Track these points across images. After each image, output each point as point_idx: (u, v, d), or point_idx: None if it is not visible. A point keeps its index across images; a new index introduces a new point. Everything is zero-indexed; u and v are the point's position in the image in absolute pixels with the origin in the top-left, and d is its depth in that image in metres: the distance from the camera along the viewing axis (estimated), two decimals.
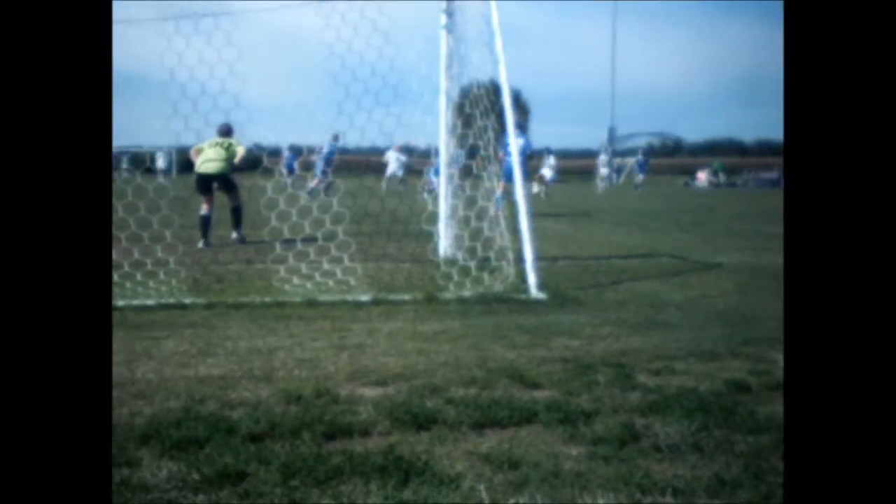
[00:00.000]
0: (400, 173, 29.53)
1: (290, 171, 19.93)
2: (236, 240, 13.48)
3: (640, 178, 50.47)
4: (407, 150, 23.23)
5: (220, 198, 13.85)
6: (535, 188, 31.27)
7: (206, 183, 13.49)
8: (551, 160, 38.01)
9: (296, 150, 19.14)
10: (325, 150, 21.26)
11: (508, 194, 20.84)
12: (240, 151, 13.57)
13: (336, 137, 18.79)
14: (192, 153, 13.94)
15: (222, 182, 13.44)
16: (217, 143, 13.53)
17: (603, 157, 52.68)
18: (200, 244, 12.96)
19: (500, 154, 21.52)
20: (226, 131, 13.65)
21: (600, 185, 47.77)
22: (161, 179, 23.16)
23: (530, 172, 24.39)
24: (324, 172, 20.83)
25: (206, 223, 13.36)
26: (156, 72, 9.74)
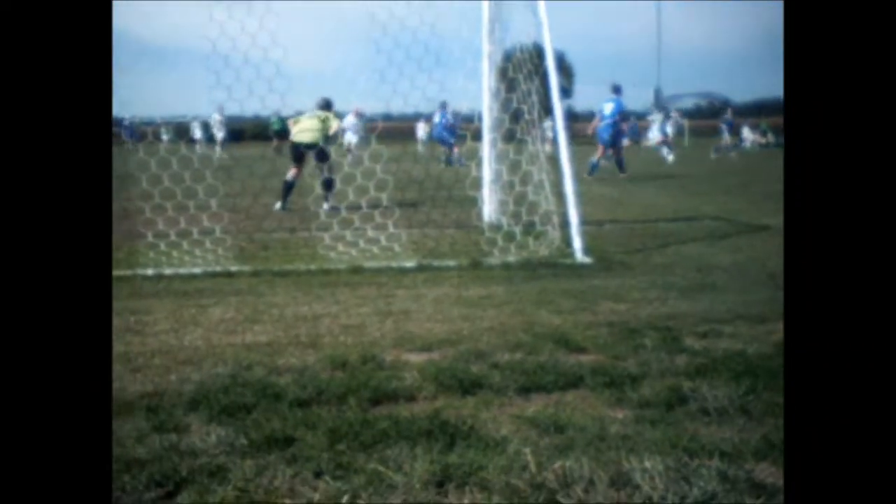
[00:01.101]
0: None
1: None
2: (328, 210, 13.41)
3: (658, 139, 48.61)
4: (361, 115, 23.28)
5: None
6: (666, 152, 30.28)
7: (299, 151, 13.74)
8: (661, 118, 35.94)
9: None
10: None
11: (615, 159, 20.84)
12: (334, 125, 13.93)
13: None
14: (290, 123, 14.51)
15: (316, 152, 13.53)
16: (315, 116, 13.84)
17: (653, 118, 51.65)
18: (278, 205, 13.36)
19: (597, 118, 21.42)
20: (325, 105, 14.05)
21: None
22: (219, 150, 23.35)
23: (625, 135, 24.00)
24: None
25: (289, 188, 13.74)
26: (198, 43, 9.77)
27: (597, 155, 21.25)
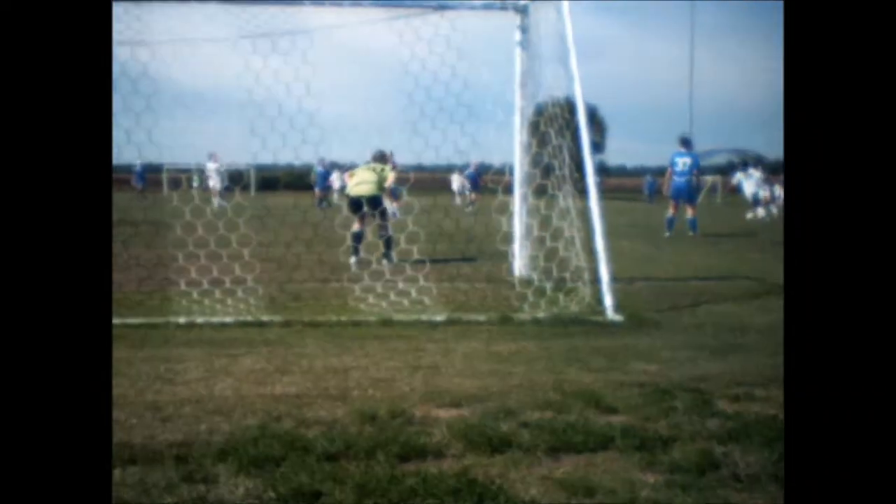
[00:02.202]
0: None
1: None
2: (389, 266, 13.12)
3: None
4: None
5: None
6: (761, 212, 29.73)
7: (357, 204, 13.46)
8: (755, 173, 33.78)
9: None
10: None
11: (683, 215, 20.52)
12: (390, 177, 13.73)
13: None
14: (346, 176, 14.38)
15: (372, 204, 13.40)
16: (370, 168, 13.72)
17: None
18: (352, 260, 12.84)
19: (669, 172, 21.00)
20: (380, 157, 14.01)
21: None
22: (216, 200, 23.63)
23: (701, 189, 23.52)
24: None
25: (357, 239, 13.37)
26: (234, 91, 9.91)
27: (671, 211, 20.76)
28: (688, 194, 20.69)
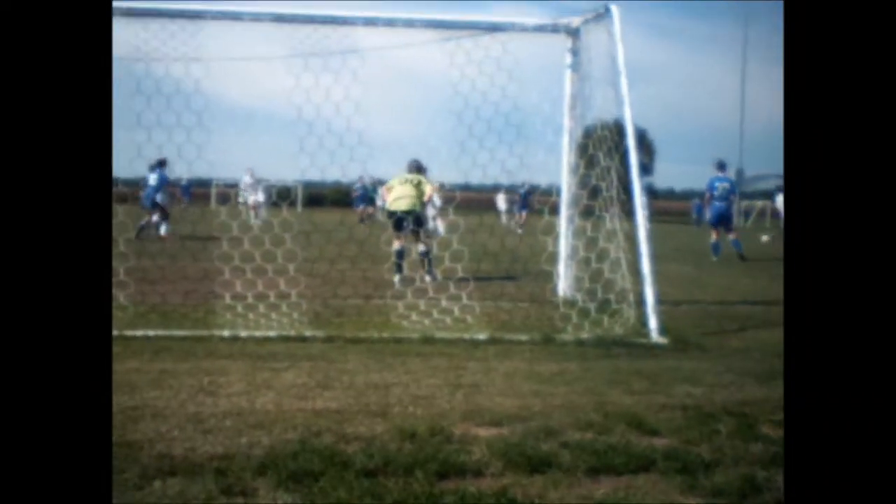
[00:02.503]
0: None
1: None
2: (431, 282, 12.39)
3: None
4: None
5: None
6: (764, 238, 29.40)
7: (398, 221, 13.20)
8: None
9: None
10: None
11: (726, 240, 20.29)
12: (428, 189, 13.45)
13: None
14: (383, 191, 14.01)
15: (414, 219, 13.20)
16: (407, 181, 13.39)
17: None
18: (396, 279, 12.69)
19: (707, 195, 20.84)
20: (416, 167, 13.61)
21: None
22: (253, 215, 23.76)
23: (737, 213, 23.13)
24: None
25: (400, 256, 13.14)
26: (284, 108, 10.01)
27: (713, 236, 20.49)
28: (727, 219, 20.47)
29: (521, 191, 25.50)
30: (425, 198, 13.50)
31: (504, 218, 33.99)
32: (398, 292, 9.85)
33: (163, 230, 19.64)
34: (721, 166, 21.06)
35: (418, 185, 13.37)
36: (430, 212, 23.18)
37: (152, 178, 19.93)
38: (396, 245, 13.28)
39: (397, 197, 13.32)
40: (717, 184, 20.36)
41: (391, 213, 13.40)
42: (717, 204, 20.22)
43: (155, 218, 19.92)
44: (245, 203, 30.06)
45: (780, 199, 30.58)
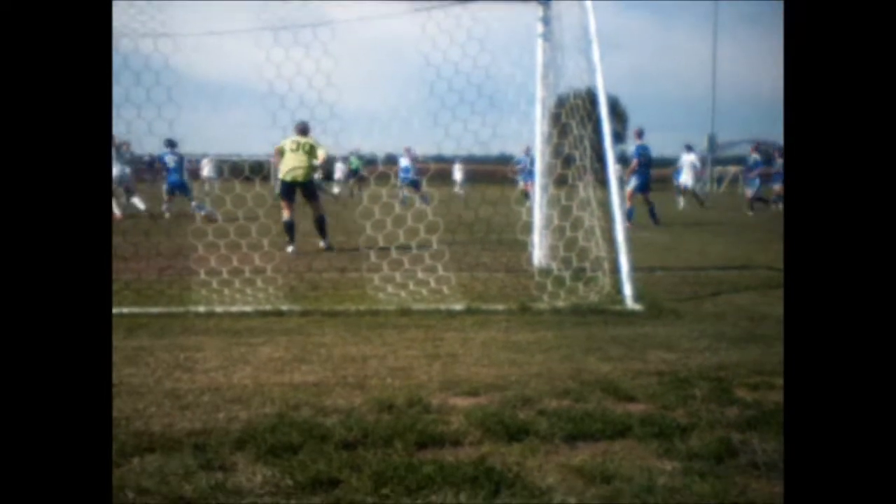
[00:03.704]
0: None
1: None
2: (324, 248, 13.50)
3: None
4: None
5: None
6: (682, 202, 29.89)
7: (290, 190, 13.38)
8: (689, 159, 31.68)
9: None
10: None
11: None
12: (321, 154, 13.46)
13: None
14: (275, 155, 13.82)
15: (306, 190, 13.40)
16: (298, 146, 13.31)
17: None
18: (290, 249, 12.97)
19: (635, 162, 21.06)
20: (303, 130, 13.40)
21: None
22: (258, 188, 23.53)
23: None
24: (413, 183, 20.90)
25: (290, 228, 13.28)
26: (255, 82, 9.94)
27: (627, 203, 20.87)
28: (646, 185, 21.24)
29: (525, 161, 25.12)
30: (318, 161, 13.50)
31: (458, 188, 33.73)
32: (374, 265, 9.82)
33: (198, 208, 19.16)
34: (639, 134, 21.52)
35: (310, 151, 13.34)
36: (338, 175, 22.85)
37: (171, 160, 19.65)
38: (286, 216, 13.25)
39: (292, 167, 13.26)
40: (640, 151, 20.96)
41: (284, 184, 13.32)
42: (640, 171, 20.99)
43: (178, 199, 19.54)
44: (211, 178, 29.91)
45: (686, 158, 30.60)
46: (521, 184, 24.60)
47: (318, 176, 14.75)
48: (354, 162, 35.79)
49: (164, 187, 20.23)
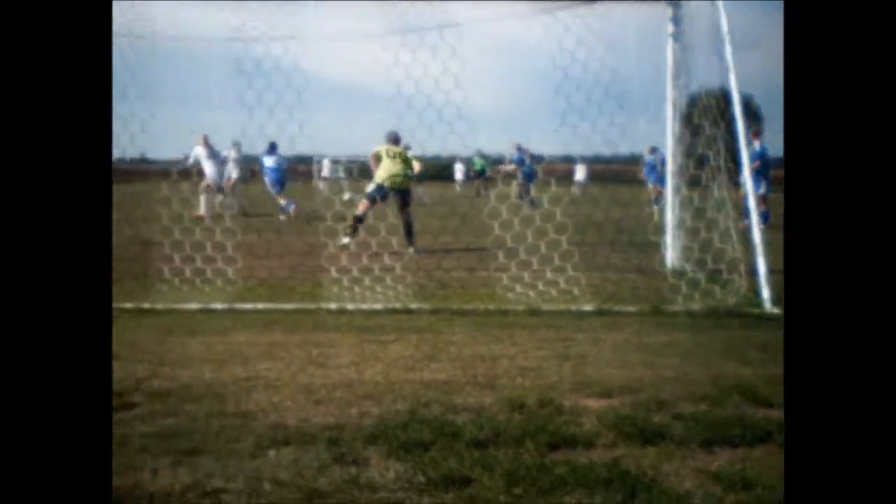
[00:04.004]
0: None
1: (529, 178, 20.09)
2: (413, 253, 12.87)
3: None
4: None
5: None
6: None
7: (384, 194, 13.27)
8: None
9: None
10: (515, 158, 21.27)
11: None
12: (417, 165, 13.56)
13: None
14: (371, 160, 13.75)
15: (403, 196, 13.34)
16: (395, 154, 13.35)
17: None
18: (346, 241, 12.43)
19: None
20: (395, 139, 13.47)
21: None
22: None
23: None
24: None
25: (360, 222, 12.87)
26: (383, 85, 10.01)
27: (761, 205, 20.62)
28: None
29: (652, 161, 24.48)
30: (414, 172, 13.51)
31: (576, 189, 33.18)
32: (503, 265, 9.77)
33: (291, 209, 19.60)
34: (757, 134, 21.08)
35: (406, 161, 13.35)
36: (458, 176, 22.73)
37: (270, 161, 20.19)
38: (362, 211, 13.05)
39: (392, 174, 13.19)
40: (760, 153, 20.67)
41: (382, 188, 13.21)
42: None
43: (283, 200, 20.02)
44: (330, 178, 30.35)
45: None
46: (650, 185, 24.25)
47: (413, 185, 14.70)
48: (478, 162, 35.82)
49: (273, 189, 20.65)
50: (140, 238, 12.73)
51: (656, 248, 10.72)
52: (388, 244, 10.18)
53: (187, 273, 9.35)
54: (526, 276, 9.42)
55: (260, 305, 8.13)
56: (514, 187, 16.89)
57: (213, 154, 19.49)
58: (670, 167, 10.83)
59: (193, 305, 8.17)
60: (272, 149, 19.41)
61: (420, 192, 16.15)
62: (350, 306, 8.18)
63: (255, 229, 12.67)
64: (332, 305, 8.18)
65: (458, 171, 43.12)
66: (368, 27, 10.82)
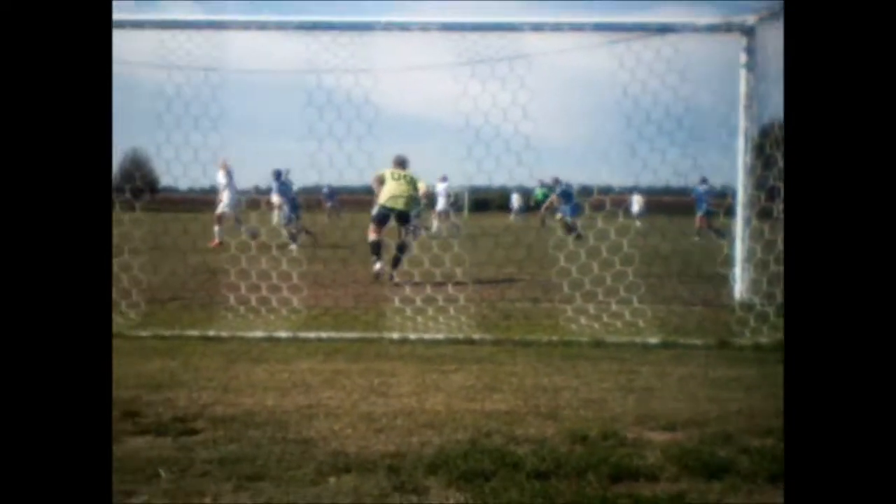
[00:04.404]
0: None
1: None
2: (391, 279, 12.62)
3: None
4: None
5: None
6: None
7: (387, 216, 13.17)
8: None
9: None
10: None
11: None
12: (421, 187, 13.50)
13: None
14: (374, 182, 13.61)
15: (404, 218, 13.17)
16: (401, 176, 13.32)
17: None
18: (378, 266, 12.75)
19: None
20: (402, 163, 13.54)
21: None
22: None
23: None
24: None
25: (378, 247, 13.14)
26: (451, 115, 10.05)
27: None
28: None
29: (697, 190, 24.28)
30: (419, 193, 13.42)
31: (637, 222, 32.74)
32: (567, 296, 9.68)
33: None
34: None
35: (411, 183, 13.27)
36: (440, 205, 22.51)
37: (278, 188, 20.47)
38: (373, 237, 13.10)
39: (395, 195, 13.11)
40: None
41: (385, 209, 13.14)
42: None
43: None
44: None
45: None
46: (698, 215, 24.04)
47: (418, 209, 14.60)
48: (540, 192, 34.86)
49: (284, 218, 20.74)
50: (207, 266, 12.92)
51: (724, 280, 10.55)
52: (453, 274, 10.17)
53: (253, 301, 9.45)
54: (591, 307, 9.33)
55: (323, 334, 8.18)
56: (558, 220, 16.79)
57: (232, 181, 19.53)
58: (741, 199, 10.67)
59: (258, 333, 8.25)
60: (278, 176, 19.61)
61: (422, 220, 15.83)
62: (412, 336, 8.18)
63: (322, 259, 12.77)
64: (395, 335, 8.20)
65: (514, 201, 43.33)
66: (439, 58, 10.89)
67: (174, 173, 9.68)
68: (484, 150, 9.85)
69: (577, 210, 19.54)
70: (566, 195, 21.33)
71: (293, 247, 14.53)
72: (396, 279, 11.99)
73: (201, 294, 11.01)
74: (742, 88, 10.56)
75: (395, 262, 12.62)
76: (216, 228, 18.68)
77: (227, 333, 8.24)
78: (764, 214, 10.19)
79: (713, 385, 6.28)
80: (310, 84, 9.83)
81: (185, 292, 11.35)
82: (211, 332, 8.26)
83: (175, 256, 14.22)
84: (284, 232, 18.25)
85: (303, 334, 8.21)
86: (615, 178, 13.76)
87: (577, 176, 14.31)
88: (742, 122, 10.51)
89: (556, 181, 22.84)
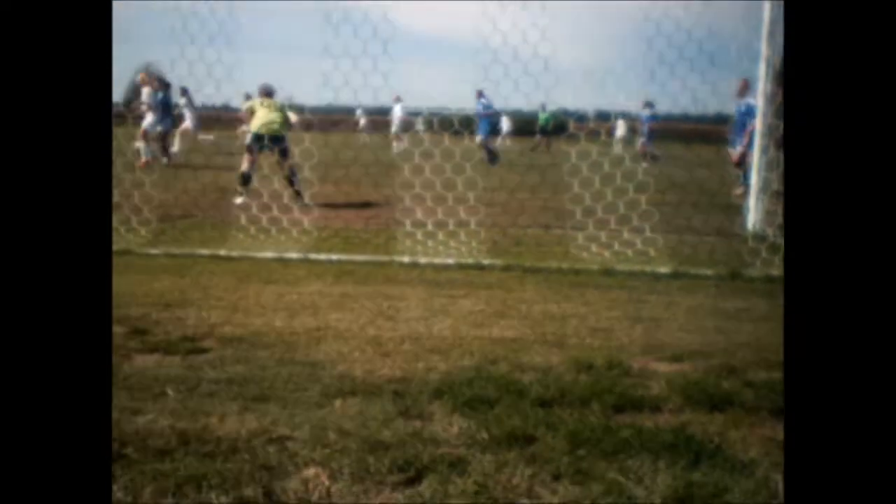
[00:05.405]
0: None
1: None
2: (299, 206, 11.68)
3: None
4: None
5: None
6: None
7: (260, 142, 13.12)
8: None
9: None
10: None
11: None
12: (293, 116, 13.58)
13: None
14: (244, 113, 13.85)
15: (280, 143, 13.07)
16: (270, 105, 13.38)
17: None
18: (240, 200, 12.39)
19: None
20: (269, 92, 13.60)
21: None
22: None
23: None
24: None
25: (248, 180, 12.97)
26: (469, 37, 9.93)
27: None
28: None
29: (647, 115, 23.09)
30: (292, 122, 13.55)
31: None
32: (579, 223, 9.64)
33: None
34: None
35: (281, 110, 13.37)
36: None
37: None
38: (245, 166, 13.08)
39: (267, 121, 13.19)
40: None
41: (257, 136, 13.15)
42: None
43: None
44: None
45: None
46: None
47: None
48: (542, 117, 33.42)
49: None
50: (220, 185, 12.91)
51: (738, 210, 10.49)
52: (466, 199, 10.13)
53: (264, 221, 9.46)
54: (602, 235, 9.30)
55: (333, 256, 8.20)
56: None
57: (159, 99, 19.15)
58: (759, 127, 10.54)
59: (269, 254, 8.27)
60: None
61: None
62: (422, 260, 8.19)
63: (333, 180, 12.73)
64: (405, 259, 8.21)
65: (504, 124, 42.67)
66: None
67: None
68: (502, 73, 9.73)
69: (493, 128, 18.66)
70: (485, 115, 20.50)
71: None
72: (306, 200, 11.53)
73: (213, 213, 11.02)
74: (766, 15, 10.38)
75: (294, 186, 12.43)
76: (141, 146, 18.27)
77: (237, 253, 8.27)
78: (782, 144, 10.08)
79: (722, 316, 6.28)
80: (328, 4, 9.72)
81: (197, 210, 11.36)
82: (222, 252, 8.29)
83: (187, 174, 14.20)
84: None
85: (313, 255, 8.23)
86: (631, 103, 13.56)
87: (595, 101, 14.02)
88: (764, 50, 10.35)
89: (480, 94, 20.77)
